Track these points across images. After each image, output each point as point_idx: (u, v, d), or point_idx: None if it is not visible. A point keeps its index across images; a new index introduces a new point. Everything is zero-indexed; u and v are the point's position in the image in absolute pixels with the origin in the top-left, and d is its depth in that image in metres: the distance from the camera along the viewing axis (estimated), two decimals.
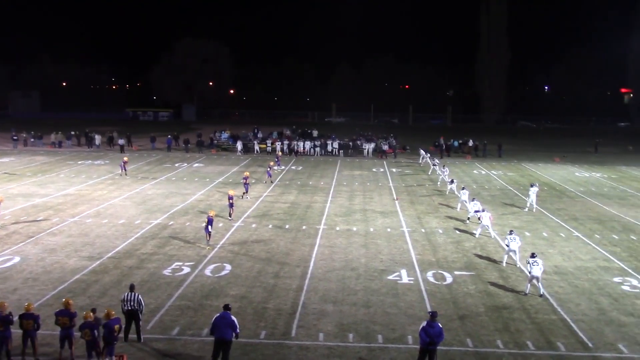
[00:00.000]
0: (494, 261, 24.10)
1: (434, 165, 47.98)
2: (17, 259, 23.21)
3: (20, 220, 29.29)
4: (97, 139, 62.21)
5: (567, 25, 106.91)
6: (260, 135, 66.81)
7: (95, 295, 19.69)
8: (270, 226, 29.18)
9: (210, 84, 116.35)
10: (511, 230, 24.92)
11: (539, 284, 20.46)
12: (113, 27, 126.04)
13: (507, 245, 23.69)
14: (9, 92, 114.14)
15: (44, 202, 33.92)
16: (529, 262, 20.73)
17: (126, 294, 16.65)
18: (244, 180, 35.66)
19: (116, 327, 14.71)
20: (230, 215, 30.26)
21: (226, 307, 15.23)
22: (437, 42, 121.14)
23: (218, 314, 15.11)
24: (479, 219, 29.12)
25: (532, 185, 35.17)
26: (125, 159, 45.41)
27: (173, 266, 22.77)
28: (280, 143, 60.43)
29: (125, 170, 43.37)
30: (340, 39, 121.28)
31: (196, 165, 50.31)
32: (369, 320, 18.11)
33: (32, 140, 62.45)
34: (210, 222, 25.32)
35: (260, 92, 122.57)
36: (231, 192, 30.98)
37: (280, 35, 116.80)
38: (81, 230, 27.70)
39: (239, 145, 60.04)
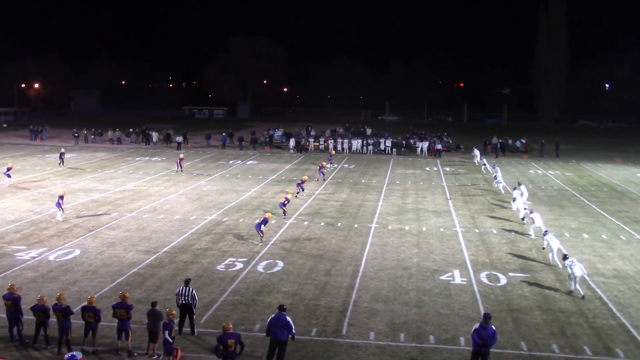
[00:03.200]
0: (551, 263, 23.53)
1: (483, 165, 47.35)
2: (77, 252, 23.97)
3: (80, 215, 30.23)
4: (154, 136, 63.61)
5: (629, 20, 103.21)
6: (313, 133, 67.04)
7: (151, 288, 20.15)
8: (322, 224, 29.26)
9: (265, 82, 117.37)
10: (546, 231, 24.62)
11: (576, 285, 19.92)
12: (170, 26, 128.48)
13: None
14: (71, 90, 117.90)
15: (103, 197, 34.91)
16: (565, 265, 20.27)
17: (181, 287, 16.99)
18: (301, 182, 35.80)
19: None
20: (284, 214, 30.46)
21: (281, 308, 15.27)
22: (492, 38, 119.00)
23: (273, 315, 15.16)
24: (522, 219, 28.72)
25: (515, 188, 33.76)
26: (181, 156, 46.18)
27: (226, 262, 23.09)
28: (332, 141, 60.52)
29: (181, 167, 44.18)
30: (394, 36, 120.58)
31: (250, 162, 50.87)
32: (420, 320, 17.96)
33: (92, 137, 64.31)
34: (265, 222, 25.53)
35: (313, 90, 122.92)
36: (289, 196, 31.35)
37: (334, 33, 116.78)
38: (138, 225, 28.39)
39: (292, 142, 60.40)
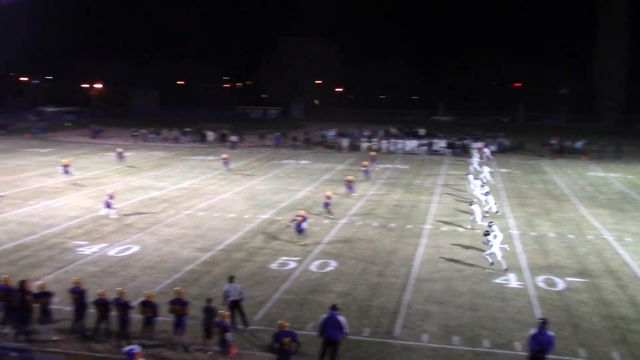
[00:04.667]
0: (611, 268, 22.82)
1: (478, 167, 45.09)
2: (136, 248, 24.57)
3: (139, 212, 30.97)
4: (210, 135, 64.61)
5: None
6: (366, 133, 66.86)
7: (206, 285, 20.47)
8: (375, 224, 29.15)
9: (318, 82, 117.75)
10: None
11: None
12: (226, 27, 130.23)
13: None
14: (130, 90, 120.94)
15: (160, 195, 35.67)
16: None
17: (227, 285, 17.24)
18: (347, 183, 35.68)
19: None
20: (331, 214, 30.40)
21: (334, 308, 15.27)
22: (551, 37, 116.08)
23: (326, 315, 15.19)
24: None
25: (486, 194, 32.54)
26: (224, 156, 46.14)
27: (280, 260, 23.26)
28: (376, 141, 60.22)
29: (227, 167, 44.35)
30: (448, 36, 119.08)
31: (303, 162, 51.10)
32: (474, 323, 17.68)
33: (150, 136, 65.77)
34: (304, 220, 25.47)
35: (367, 90, 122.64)
36: (329, 193, 31.38)
37: (388, 33, 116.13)
38: (194, 222, 28.89)
39: (345, 142, 60.37)
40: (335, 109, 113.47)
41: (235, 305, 17.00)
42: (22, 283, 16.46)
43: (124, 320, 15.92)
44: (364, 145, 60.49)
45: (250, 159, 52.54)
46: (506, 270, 22.14)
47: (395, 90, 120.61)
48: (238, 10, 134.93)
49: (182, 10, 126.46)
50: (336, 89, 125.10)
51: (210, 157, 52.74)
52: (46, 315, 16.40)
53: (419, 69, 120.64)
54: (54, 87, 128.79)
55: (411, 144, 59.85)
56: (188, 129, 67.77)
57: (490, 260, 22.53)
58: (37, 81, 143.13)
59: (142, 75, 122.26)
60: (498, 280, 21.31)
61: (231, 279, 17.49)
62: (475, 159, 48.25)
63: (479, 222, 28.42)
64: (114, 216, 29.43)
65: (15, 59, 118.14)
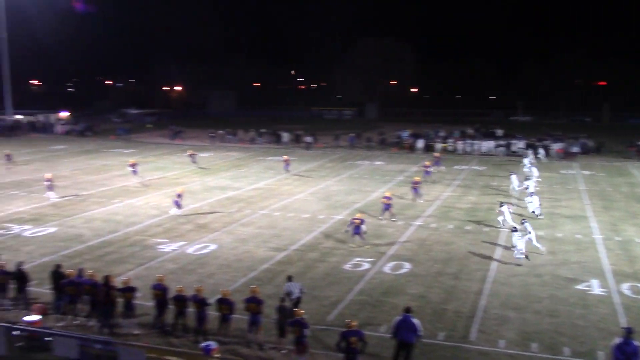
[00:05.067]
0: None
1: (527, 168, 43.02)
2: (213, 247, 25.18)
3: (216, 211, 31.71)
4: (285, 136, 65.42)
5: None
6: (442, 134, 65.98)
7: (281, 284, 20.61)
8: (450, 226, 28.71)
9: (393, 82, 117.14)
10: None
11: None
12: (302, 29, 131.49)
13: None
14: (208, 92, 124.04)
15: (237, 194, 36.41)
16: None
17: (288, 284, 17.57)
18: (414, 185, 35.11)
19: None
20: (394, 216, 30.01)
21: (408, 310, 15.13)
22: (636, 32, 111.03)
23: (400, 317, 15.08)
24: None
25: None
26: (285, 157, 45.88)
27: (353, 261, 23.28)
28: (451, 141, 59.21)
29: (287, 168, 44.23)
30: (526, 33, 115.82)
31: (377, 163, 50.95)
32: (554, 330, 17.12)
33: (227, 137, 67.25)
34: (362, 222, 25.19)
35: (442, 90, 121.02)
36: (387, 194, 31.11)
37: (463, 32, 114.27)
38: (269, 222, 29.32)
39: (420, 143, 59.78)
40: (410, 109, 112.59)
41: (297, 304, 17.18)
42: (107, 278, 17.19)
43: (201, 317, 16.35)
44: (439, 146, 59.71)
45: (324, 159, 52.84)
46: (518, 265, 22.69)
47: (472, 90, 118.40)
48: (313, 13, 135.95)
49: (258, 14, 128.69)
50: (411, 89, 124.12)
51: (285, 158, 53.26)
52: (129, 309, 17.06)
53: (497, 67, 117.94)
54: (136, 90, 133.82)
55: (488, 144, 58.60)
56: (264, 130, 68.84)
57: (524, 256, 22.89)
58: (121, 84, 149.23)
59: (219, 77, 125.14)
60: (580, 287, 20.55)
61: (290, 278, 17.90)
62: (528, 160, 46.73)
63: (511, 223, 27.49)
64: (178, 213, 30.19)
65: (100, 64, 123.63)
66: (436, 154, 49.38)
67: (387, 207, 29.91)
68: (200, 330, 16.37)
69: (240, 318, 16.75)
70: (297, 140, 64.43)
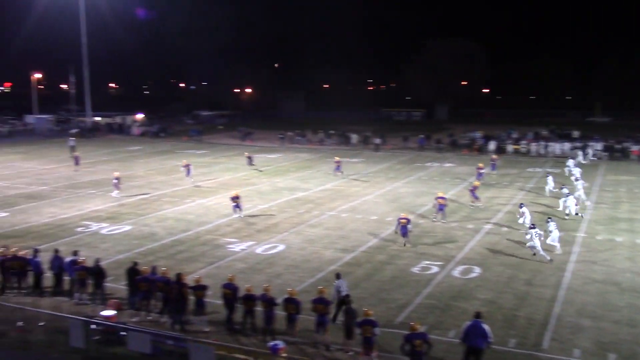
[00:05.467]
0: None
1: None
2: (282, 247, 25.46)
3: (285, 212, 32.05)
4: (354, 138, 65.44)
5: None
6: (514, 135, 64.41)
7: (348, 286, 20.69)
8: (522, 231, 27.97)
9: (464, 83, 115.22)
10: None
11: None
12: (370, 30, 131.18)
13: None
14: (278, 93, 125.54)
15: (305, 195, 36.67)
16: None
17: (338, 281, 17.93)
18: (472, 189, 34.22)
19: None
20: (443, 219, 29.67)
21: (478, 315, 14.83)
22: None
23: (469, 322, 14.82)
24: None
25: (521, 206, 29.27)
26: (337, 159, 44.98)
27: (422, 264, 23.04)
28: (525, 143, 57.60)
29: (339, 170, 43.59)
30: (606, 29, 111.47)
31: (447, 165, 50.24)
32: (634, 341, 16.41)
33: (296, 138, 67.85)
34: (407, 222, 25.40)
35: (515, 90, 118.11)
36: (440, 194, 30.82)
37: (538, 30, 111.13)
38: (337, 223, 29.38)
39: (492, 145, 58.56)
40: (481, 110, 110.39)
41: (343, 301, 17.25)
42: (179, 276, 17.66)
43: (269, 316, 16.56)
44: (510, 148, 58.32)
45: (393, 161, 52.54)
46: (533, 254, 23.50)
47: (547, 90, 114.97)
48: (382, 13, 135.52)
49: (327, 16, 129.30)
50: (482, 90, 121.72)
51: (354, 160, 53.37)
52: (200, 307, 17.47)
53: (574, 66, 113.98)
54: (208, 92, 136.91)
55: (563, 146, 56.75)
56: (332, 132, 69.06)
57: (538, 252, 23.35)
58: (193, 87, 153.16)
59: (289, 79, 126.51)
60: None
61: (338, 276, 18.22)
62: (572, 161, 45.06)
63: (528, 224, 26.21)
64: (240, 215, 30.41)
65: (174, 67, 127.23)
66: (494, 156, 47.99)
67: (442, 207, 29.67)
68: (268, 329, 16.59)
69: (306, 318, 16.86)
70: (365, 141, 64.32)
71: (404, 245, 25.41)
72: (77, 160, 46.22)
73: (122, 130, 79.24)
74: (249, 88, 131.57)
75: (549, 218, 25.94)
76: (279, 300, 16.76)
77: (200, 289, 17.49)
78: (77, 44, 79.02)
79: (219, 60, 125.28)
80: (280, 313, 16.74)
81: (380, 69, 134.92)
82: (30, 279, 20.21)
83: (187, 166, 41.28)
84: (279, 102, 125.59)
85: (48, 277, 20.32)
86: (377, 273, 22.13)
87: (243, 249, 25.15)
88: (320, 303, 16.28)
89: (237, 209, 30.67)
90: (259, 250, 25.08)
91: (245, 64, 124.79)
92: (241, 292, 17.24)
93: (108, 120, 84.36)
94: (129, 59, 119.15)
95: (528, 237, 23.90)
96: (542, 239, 23.76)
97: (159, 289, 17.84)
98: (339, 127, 75.65)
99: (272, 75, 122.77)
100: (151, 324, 17.54)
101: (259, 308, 16.88)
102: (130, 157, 54.88)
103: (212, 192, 37.70)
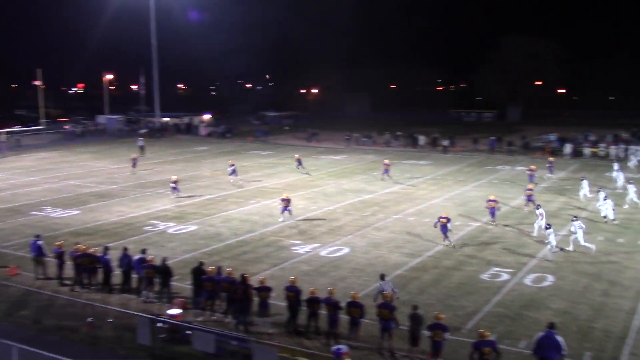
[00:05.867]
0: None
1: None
2: (346, 250, 25.49)
3: (350, 214, 32.06)
4: (421, 139, 64.79)
5: None
6: (592, 138, 62.27)
7: (414, 291, 20.57)
8: (600, 238, 27.03)
9: (538, 82, 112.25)
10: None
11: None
12: (440, 29, 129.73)
13: None
14: (344, 94, 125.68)
15: (371, 198, 36.59)
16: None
17: (382, 282, 18.28)
18: (529, 192, 33.38)
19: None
20: (494, 222, 29.41)
21: (551, 326, 14.42)
22: None
23: (542, 333, 14.42)
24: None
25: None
26: (387, 161, 44.21)
27: (491, 271, 22.60)
28: (603, 146, 55.50)
29: (387, 173, 42.75)
30: None
31: (519, 168, 49.01)
32: None
33: (362, 139, 67.75)
34: (447, 221, 25.72)
35: (593, 91, 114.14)
36: (493, 197, 30.62)
37: (618, 26, 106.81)
38: (403, 227, 29.17)
39: (568, 148, 56.81)
40: (556, 111, 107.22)
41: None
42: (244, 277, 17.94)
43: (333, 320, 16.61)
44: (588, 151, 56.42)
45: (462, 164, 51.74)
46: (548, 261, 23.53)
47: (628, 90, 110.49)
48: (453, 10, 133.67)
49: (394, 14, 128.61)
50: (558, 90, 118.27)
51: (422, 162, 52.87)
52: (264, 308, 17.70)
53: None
54: (274, 93, 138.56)
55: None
56: (399, 133, 68.62)
57: (559, 249, 24.17)
58: (260, 87, 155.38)
59: (355, 79, 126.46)
60: None
61: (382, 277, 18.61)
62: (618, 165, 43.21)
63: (543, 226, 26.27)
64: (282, 220, 30.26)
65: (241, 68, 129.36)
66: (551, 159, 46.44)
67: (493, 210, 29.56)
68: (332, 333, 16.64)
69: (370, 323, 16.82)
70: (433, 143, 63.56)
71: (452, 246, 25.68)
72: (134, 163, 46.46)
73: (189, 131, 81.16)
74: (316, 88, 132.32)
75: (575, 217, 25.97)
76: (343, 303, 16.77)
77: (264, 290, 17.72)
78: (147, 45, 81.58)
79: (285, 60, 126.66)
80: (344, 317, 16.76)
81: (450, 69, 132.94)
82: (99, 276, 20.98)
83: (232, 166, 41.98)
84: (346, 103, 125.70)
85: (117, 275, 21.04)
86: (444, 279, 21.84)
87: (307, 251, 25.31)
88: (385, 308, 16.22)
89: (286, 212, 30.33)
90: (323, 252, 25.18)
91: (312, 64, 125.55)
92: (304, 295, 17.36)
93: (176, 120, 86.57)
94: (197, 60, 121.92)
95: (550, 236, 24.35)
96: (580, 232, 24.61)
97: (224, 289, 18.18)
98: (406, 128, 75.08)
99: (339, 76, 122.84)
100: (215, 324, 17.90)
101: (322, 311, 16.95)
102: (197, 157, 56.12)
103: (277, 193, 38.06)
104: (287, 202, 30.41)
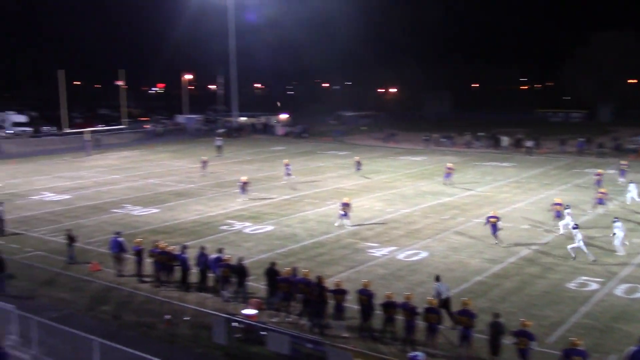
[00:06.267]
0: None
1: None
2: (424, 254, 25.23)
3: (428, 217, 31.71)
4: (505, 140, 63.34)
5: None
6: None
7: (495, 299, 20.13)
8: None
9: (632, 81, 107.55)
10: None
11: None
12: (524, 25, 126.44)
13: None
14: (423, 93, 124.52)
15: (450, 201, 36.07)
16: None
17: (438, 284, 18.47)
18: (601, 195, 32.43)
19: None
20: (555, 227, 28.61)
21: None
22: None
23: (635, 348, 13.82)
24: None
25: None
26: (450, 165, 42.99)
27: (579, 280, 21.84)
28: None
29: (449, 178, 41.54)
30: None
31: (610, 171, 47.10)
32: None
33: (442, 140, 66.91)
34: (496, 221, 26.36)
35: None
36: (558, 200, 30.33)
37: None
38: (484, 231, 28.50)
39: None
40: None
41: (444, 304, 17.58)
42: (319, 278, 18.06)
43: (410, 326, 16.47)
44: None
45: (547, 166, 50.23)
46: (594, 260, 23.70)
47: None
48: (540, 7, 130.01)
49: (477, 10, 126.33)
50: None
51: (505, 164, 51.71)
52: (339, 311, 17.76)
53: None
54: (352, 92, 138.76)
55: None
56: (481, 134, 67.37)
57: (573, 255, 24.02)
58: (337, 87, 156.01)
59: (435, 78, 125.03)
60: None
61: (438, 278, 18.77)
62: None
63: (562, 230, 27.49)
64: (345, 224, 29.80)
65: (318, 67, 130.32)
66: (623, 162, 44.33)
67: (558, 214, 28.99)
68: (409, 339, 16.51)
69: (449, 331, 16.56)
70: (517, 144, 62.00)
71: (502, 245, 26.06)
72: (204, 165, 46.62)
73: (266, 130, 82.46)
74: (394, 88, 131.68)
75: (616, 218, 25.88)
76: (420, 309, 16.60)
77: (339, 293, 17.77)
78: (225, 46, 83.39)
79: (364, 59, 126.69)
80: (421, 323, 16.59)
81: (535, 66, 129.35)
82: (177, 274, 21.61)
83: (287, 166, 42.33)
84: (425, 102, 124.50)
85: (194, 273, 21.61)
86: (528, 287, 21.27)
87: (384, 254, 25.22)
88: (464, 315, 15.97)
89: (344, 218, 29.81)
90: (400, 256, 25.02)
91: (390, 63, 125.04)
92: (378, 299, 17.31)
93: (253, 120, 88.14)
94: (274, 59, 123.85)
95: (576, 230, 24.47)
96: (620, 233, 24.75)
97: (299, 291, 18.36)
98: (488, 128, 73.58)
99: (418, 74, 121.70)
100: (290, 325, 18.09)
101: (399, 316, 16.84)
102: (273, 157, 56.90)
103: (353, 194, 38.12)
104: (346, 206, 29.97)
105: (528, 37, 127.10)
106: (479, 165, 50.90)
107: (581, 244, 23.96)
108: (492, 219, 26.54)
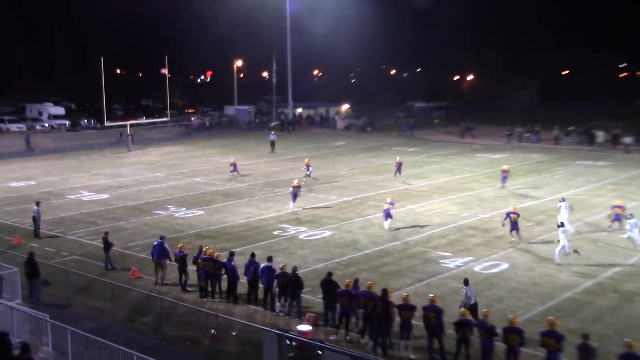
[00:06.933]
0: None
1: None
2: (505, 266, 24.83)
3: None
4: (600, 136, 61.79)
5: None
6: None
7: (587, 319, 19.64)
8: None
9: None
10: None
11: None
12: (623, 1, 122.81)
13: None
14: (506, 82, 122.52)
15: (536, 205, 35.40)
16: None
17: (466, 288, 18.99)
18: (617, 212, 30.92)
19: None
20: (620, 229, 28.44)
21: None
22: None
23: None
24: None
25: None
26: (506, 167, 41.43)
27: None
28: None
29: (504, 182, 40.42)
30: None
31: None
32: None
33: (527, 135, 65.71)
34: (517, 216, 27.60)
35: None
36: (618, 202, 30.65)
37: None
38: (574, 241, 27.84)
39: None
40: None
41: (474, 310, 18.23)
42: (384, 292, 17.90)
43: (487, 347, 16.20)
44: None
45: None
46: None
47: None
48: None
49: None
50: None
51: (600, 163, 50.45)
52: (407, 330, 17.56)
53: None
54: (423, 80, 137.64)
55: None
56: (572, 128, 65.92)
57: (566, 252, 24.82)
58: (406, 74, 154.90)
59: (520, 65, 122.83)
60: None
61: (466, 282, 19.28)
62: None
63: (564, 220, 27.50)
64: (387, 227, 29.87)
65: (384, 51, 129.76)
66: None
67: (618, 217, 29.33)
68: None
69: (531, 354, 16.23)
70: (614, 141, 60.39)
71: (518, 242, 27.48)
72: (235, 167, 45.07)
73: (324, 123, 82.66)
74: (471, 75, 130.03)
75: (631, 215, 27.23)
76: (499, 329, 16.32)
77: (407, 309, 17.62)
78: (280, 29, 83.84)
79: (437, 43, 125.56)
80: (500, 344, 16.31)
81: (637, 50, 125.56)
82: (224, 284, 21.82)
83: (307, 165, 42.52)
84: (507, 92, 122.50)
85: (243, 283, 21.79)
86: (626, 306, 20.66)
87: (458, 266, 24.93)
88: (550, 337, 15.61)
89: (387, 218, 30.04)
90: (477, 268, 24.69)
91: (468, 47, 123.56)
92: (453, 317, 17.10)
93: (309, 111, 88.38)
94: (334, 43, 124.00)
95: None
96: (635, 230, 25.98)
97: (361, 306, 18.28)
98: (581, 122, 71.88)
99: (500, 61, 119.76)
100: (350, 344, 18.05)
101: (474, 336, 16.60)
102: (333, 154, 57.06)
103: (424, 196, 37.87)
104: (390, 206, 30.37)
105: (629, 15, 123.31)
106: (569, 165, 49.80)
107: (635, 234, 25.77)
108: (512, 215, 27.53)
